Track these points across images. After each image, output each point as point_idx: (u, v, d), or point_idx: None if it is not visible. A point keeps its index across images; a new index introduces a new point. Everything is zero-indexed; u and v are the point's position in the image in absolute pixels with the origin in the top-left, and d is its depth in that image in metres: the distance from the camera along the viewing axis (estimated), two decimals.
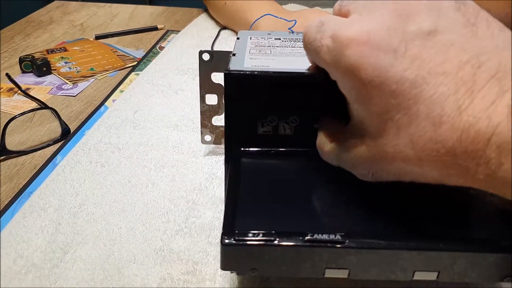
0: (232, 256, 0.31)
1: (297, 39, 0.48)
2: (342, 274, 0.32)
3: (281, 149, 0.41)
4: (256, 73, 0.38)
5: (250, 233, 0.31)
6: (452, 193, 0.35)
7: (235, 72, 0.38)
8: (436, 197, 0.35)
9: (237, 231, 0.31)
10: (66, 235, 0.43)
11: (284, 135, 0.41)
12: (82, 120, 0.62)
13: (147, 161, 0.53)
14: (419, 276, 0.31)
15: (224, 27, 0.92)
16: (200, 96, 0.52)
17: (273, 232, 0.31)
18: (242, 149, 0.41)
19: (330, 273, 0.32)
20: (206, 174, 0.51)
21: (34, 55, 0.78)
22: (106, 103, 0.66)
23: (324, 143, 0.37)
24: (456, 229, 0.32)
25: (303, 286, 0.39)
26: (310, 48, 0.33)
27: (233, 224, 0.32)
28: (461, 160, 0.26)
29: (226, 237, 0.31)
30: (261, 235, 0.31)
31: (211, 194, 0.48)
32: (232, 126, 0.40)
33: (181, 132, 0.58)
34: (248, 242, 0.31)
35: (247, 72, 0.38)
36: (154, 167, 0.52)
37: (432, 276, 0.31)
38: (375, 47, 0.28)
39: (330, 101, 0.40)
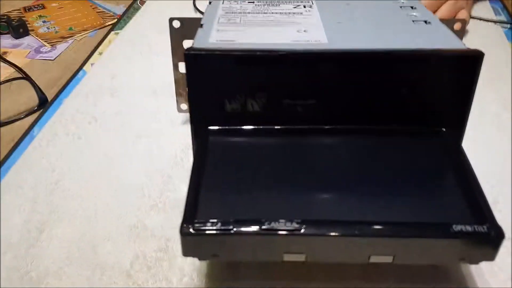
0: (192, 244, 0.32)
1: (271, 3, 0.47)
2: (300, 258, 0.32)
3: (250, 127, 0.41)
4: (218, 52, 0.37)
5: (209, 222, 0.32)
6: (408, 176, 0.36)
7: (196, 52, 0.37)
8: (392, 182, 0.35)
9: (196, 220, 0.32)
10: (42, 213, 0.44)
11: (252, 112, 0.40)
12: (60, 87, 0.62)
13: (124, 132, 0.53)
14: (375, 259, 0.32)
15: None
16: (173, 64, 0.51)
17: (231, 220, 0.32)
18: (210, 127, 0.41)
19: (288, 257, 0.32)
20: (182, 145, 0.51)
21: (9, 14, 0.76)
22: (85, 68, 0.65)
23: None
24: (410, 213, 0.32)
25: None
26: None
27: (194, 211, 0.33)
28: None
29: (185, 226, 0.32)
30: (219, 224, 0.31)
31: (186, 167, 0.48)
32: (197, 105, 0.39)
33: (159, 99, 0.58)
34: (207, 232, 0.31)
35: (209, 52, 0.37)
36: (131, 138, 0.52)
37: (388, 259, 0.32)
38: None
39: (298, 76, 0.39)
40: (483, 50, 0.35)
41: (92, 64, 0.66)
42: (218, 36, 0.40)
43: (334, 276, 0.38)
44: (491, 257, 0.32)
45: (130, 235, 0.42)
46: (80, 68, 0.65)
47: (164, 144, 0.51)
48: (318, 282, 0.37)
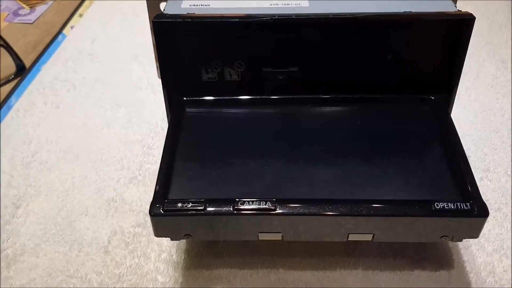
0: (163, 225, 0.31)
1: None
2: (276, 237, 0.31)
3: (227, 97, 0.39)
4: (190, 20, 0.35)
5: (179, 202, 0.30)
6: (392, 149, 0.34)
7: (166, 20, 0.35)
8: (375, 156, 0.33)
9: (166, 201, 0.30)
10: (18, 188, 0.43)
11: (230, 81, 0.38)
12: (39, 52, 0.59)
13: (104, 100, 0.51)
14: (354, 237, 0.31)
15: None
16: (151, 27, 0.49)
17: (203, 200, 0.30)
18: (185, 98, 0.39)
19: (264, 236, 0.31)
20: (163, 114, 0.48)
21: None
22: (64, 31, 0.62)
23: None
24: (389, 191, 0.31)
25: None
26: None
27: (165, 190, 0.31)
28: None
29: (155, 206, 0.30)
30: (190, 204, 0.30)
31: None
32: (171, 75, 0.37)
33: (140, 65, 0.56)
34: (177, 212, 0.30)
35: (180, 20, 0.35)
36: (111, 106, 0.50)
37: (367, 237, 0.31)
38: None
39: (278, 42, 0.37)
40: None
41: (72, 27, 0.63)
42: (191, 0, 0.38)
43: (315, 251, 0.37)
44: (475, 234, 0.31)
45: (108, 210, 0.41)
46: (60, 31, 0.62)
47: (145, 113, 0.49)
48: (299, 257, 0.36)
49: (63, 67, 0.56)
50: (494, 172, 0.43)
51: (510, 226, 0.38)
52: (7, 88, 0.54)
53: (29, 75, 0.55)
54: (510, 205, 0.40)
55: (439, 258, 0.36)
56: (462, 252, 0.37)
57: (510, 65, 0.54)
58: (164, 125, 0.48)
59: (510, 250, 0.37)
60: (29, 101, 0.51)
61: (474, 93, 0.51)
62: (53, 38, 0.61)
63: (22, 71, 0.56)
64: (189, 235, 0.31)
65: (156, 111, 0.49)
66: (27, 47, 0.61)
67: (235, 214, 0.30)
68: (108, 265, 0.37)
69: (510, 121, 0.47)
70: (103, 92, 0.52)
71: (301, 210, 0.30)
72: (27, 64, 0.57)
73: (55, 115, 0.50)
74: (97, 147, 0.46)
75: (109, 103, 0.51)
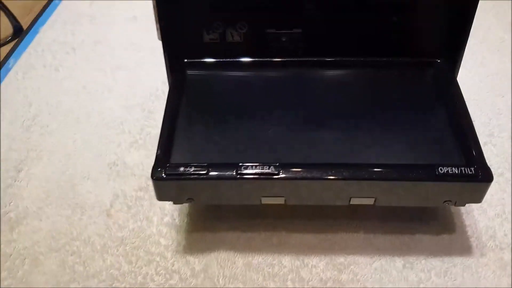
0: (165, 189, 0.31)
1: None
2: (279, 201, 0.31)
3: (230, 59, 0.38)
4: None
5: (182, 166, 0.30)
6: (397, 113, 0.34)
7: None
8: (380, 119, 0.33)
9: (168, 165, 0.30)
10: (19, 151, 0.42)
11: (232, 42, 0.37)
12: (36, 14, 0.58)
13: (103, 63, 0.50)
14: (355, 201, 0.31)
15: None
16: None
17: (205, 164, 0.30)
18: (186, 60, 0.38)
19: (266, 201, 0.31)
20: (163, 77, 0.47)
21: None
22: None
23: None
24: (392, 153, 0.31)
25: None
26: None
27: (167, 154, 0.31)
28: None
29: (157, 170, 0.30)
30: (193, 168, 0.30)
31: None
32: (171, 37, 0.36)
33: (140, 25, 0.54)
34: (180, 176, 0.30)
35: None
36: (110, 69, 0.50)
37: (369, 201, 0.31)
38: None
39: (281, 2, 0.36)
40: None
41: None
42: None
43: (317, 214, 0.37)
44: (478, 199, 0.31)
45: (110, 174, 0.41)
46: None
47: (145, 76, 0.49)
48: (302, 220, 0.37)
49: (61, 30, 0.55)
50: (498, 137, 0.42)
51: None
52: (4, 49, 0.53)
53: (27, 37, 0.54)
54: None
55: (441, 222, 0.36)
56: (464, 217, 0.37)
57: None
58: (165, 89, 0.47)
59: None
60: (27, 64, 0.51)
61: (480, 57, 0.50)
62: (50, 0, 0.60)
63: (19, 33, 0.55)
64: (191, 199, 0.31)
65: (156, 74, 0.49)
66: (23, 8, 0.59)
67: (238, 179, 0.30)
68: (111, 228, 0.37)
69: None
70: (102, 55, 0.51)
71: (303, 174, 0.30)
72: (24, 26, 0.56)
73: (55, 78, 0.49)
74: (97, 110, 0.46)
75: (108, 66, 0.50)
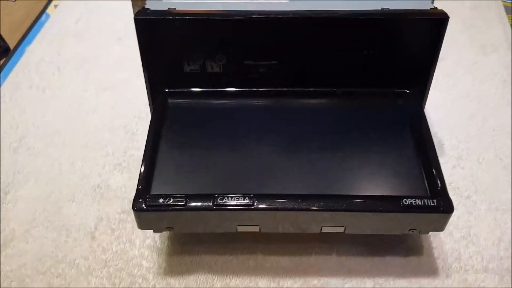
0: (145, 219, 0.33)
1: None
2: (254, 229, 0.33)
3: (210, 89, 0.40)
4: (170, 17, 0.35)
5: (161, 197, 0.32)
6: (365, 144, 0.36)
7: (148, 17, 0.35)
8: (349, 150, 0.35)
9: (148, 196, 0.32)
10: (7, 174, 0.44)
11: (212, 73, 0.39)
12: (23, 32, 0.59)
13: (89, 83, 0.52)
14: (326, 229, 0.33)
15: None
16: (133, 6, 0.49)
17: (184, 195, 0.32)
18: (168, 89, 0.39)
19: (242, 229, 0.33)
20: (146, 99, 0.50)
21: None
22: (48, 10, 0.62)
23: None
24: (361, 185, 0.33)
25: None
26: None
27: (147, 185, 0.33)
28: None
29: (138, 201, 0.32)
30: (172, 199, 0.32)
31: None
32: (153, 69, 0.38)
33: (124, 45, 0.56)
34: (159, 207, 0.32)
35: (162, 17, 0.35)
36: (95, 90, 0.51)
37: (339, 229, 0.33)
38: None
39: (259, 37, 0.37)
40: None
41: (55, 6, 0.62)
42: None
43: (292, 238, 0.39)
44: (440, 228, 0.33)
45: (95, 196, 0.42)
46: (43, 10, 0.62)
47: (129, 97, 0.50)
48: (277, 243, 0.38)
49: (47, 49, 0.56)
50: (467, 160, 0.44)
51: (478, 213, 0.40)
52: None
53: (13, 57, 0.55)
54: (479, 193, 0.42)
55: (409, 245, 0.38)
56: (431, 239, 0.39)
57: (489, 50, 0.55)
58: (148, 111, 0.49)
59: (477, 237, 0.39)
60: (14, 84, 0.52)
61: (452, 78, 0.52)
62: (37, 18, 0.61)
63: (6, 53, 0.56)
64: (171, 227, 0.33)
65: (140, 95, 0.49)
66: (11, 27, 0.60)
67: (215, 209, 0.31)
68: (95, 251, 0.39)
69: (486, 108, 0.49)
70: (88, 74, 0.53)
71: (277, 205, 0.31)
72: (11, 44, 0.57)
73: (41, 99, 0.50)
74: (83, 132, 0.47)
75: (93, 87, 0.51)
